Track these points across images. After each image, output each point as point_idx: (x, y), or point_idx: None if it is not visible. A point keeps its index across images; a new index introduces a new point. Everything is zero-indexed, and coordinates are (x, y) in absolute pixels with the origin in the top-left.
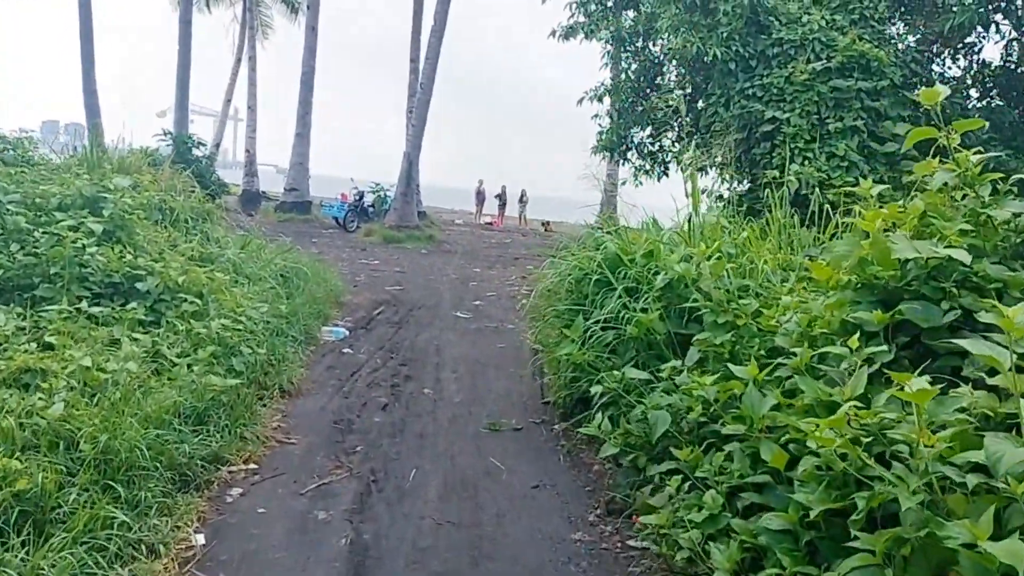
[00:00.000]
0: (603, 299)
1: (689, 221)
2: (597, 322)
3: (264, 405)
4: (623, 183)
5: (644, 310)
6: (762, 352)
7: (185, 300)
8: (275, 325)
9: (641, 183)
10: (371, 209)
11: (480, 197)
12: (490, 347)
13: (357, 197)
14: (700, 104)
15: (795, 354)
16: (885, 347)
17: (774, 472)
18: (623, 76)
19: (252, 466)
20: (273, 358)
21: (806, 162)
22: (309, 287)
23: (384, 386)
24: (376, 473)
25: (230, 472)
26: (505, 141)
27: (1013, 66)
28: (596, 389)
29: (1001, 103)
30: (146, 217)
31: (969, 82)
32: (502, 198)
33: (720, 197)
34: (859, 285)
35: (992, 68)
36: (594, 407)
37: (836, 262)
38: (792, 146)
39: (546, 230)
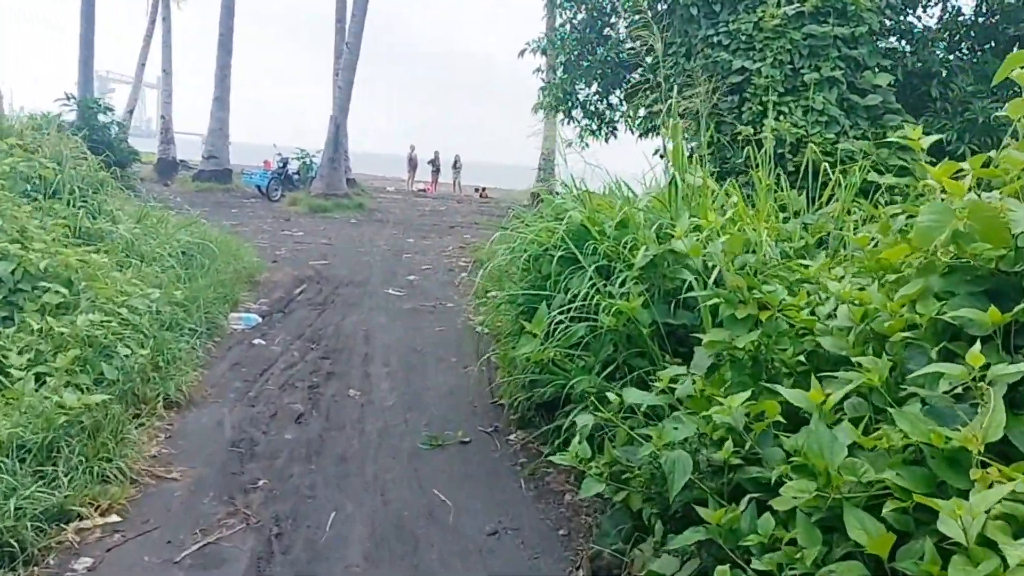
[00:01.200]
0: (567, 281)
1: (672, 184)
2: (564, 311)
3: (141, 424)
4: (568, 144)
5: (623, 295)
6: (799, 359)
7: (48, 290)
8: (168, 316)
9: (587, 145)
10: (296, 177)
11: (412, 163)
12: (428, 332)
13: (281, 164)
14: (654, 55)
15: (858, 365)
16: (1007, 359)
17: (870, 558)
18: (567, 27)
19: (113, 519)
20: (160, 359)
21: (781, 117)
22: (216, 266)
23: (300, 388)
24: (282, 522)
25: (80, 531)
26: (439, 107)
27: (984, 19)
28: (584, 420)
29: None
30: (5, 189)
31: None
32: (435, 164)
33: (688, 157)
34: (947, 269)
35: (966, 19)
36: (577, 435)
37: (924, 236)
38: (764, 99)
39: (481, 197)
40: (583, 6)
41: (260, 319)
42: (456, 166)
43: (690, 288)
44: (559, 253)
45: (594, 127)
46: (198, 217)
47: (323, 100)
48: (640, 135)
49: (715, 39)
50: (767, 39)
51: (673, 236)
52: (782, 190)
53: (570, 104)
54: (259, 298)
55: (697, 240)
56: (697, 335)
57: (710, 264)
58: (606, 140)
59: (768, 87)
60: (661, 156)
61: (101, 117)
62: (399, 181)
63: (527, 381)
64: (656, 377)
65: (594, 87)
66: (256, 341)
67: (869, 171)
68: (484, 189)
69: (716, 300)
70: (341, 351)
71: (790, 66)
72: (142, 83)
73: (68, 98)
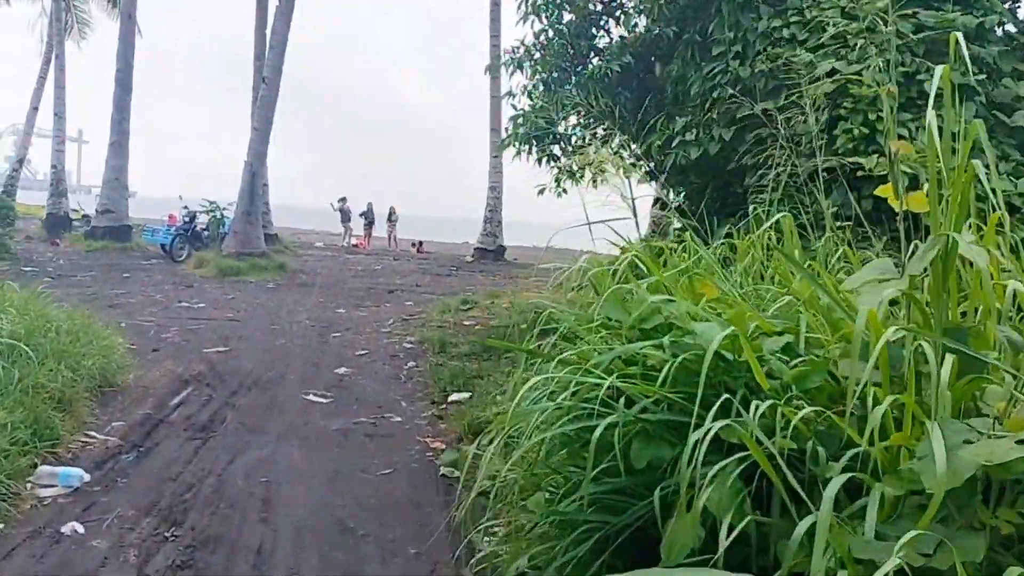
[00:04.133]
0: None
1: None
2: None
3: None
4: (541, 191)
5: None
6: None
7: None
8: None
9: (564, 191)
10: (206, 233)
11: (345, 216)
12: (367, 482)
13: (187, 219)
14: (676, 67)
15: None
16: None
17: None
18: (550, 33)
19: None
20: None
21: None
22: (43, 370)
23: None
24: None
25: None
26: (373, 160)
27: None
28: None
29: None
30: None
31: None
32: (368, 216)
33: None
34: None
35: None
36: None
37: None
38: (870, 117)
39: (418, 252)
40: (570, 6)
41: (86, 476)
42: (391, 219)
43: None
44: (661, 416)
45: (572, 168)
46: (44, 289)
47: (243, 148)
48: (647, 178)
49: (783, 32)
50: (865, 32)
51: None
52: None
53: (549, 139)
54: (111, 420)
55: None
56: None
57: None
58: (594, 185)
59: (876, 99)
60: (662, 206)
61: None
62: (329, 235)
63: None
64: None
65: (573, 119)
66: (68, 528)
67: None
68: (421, 243)
69: None
70: (218, 543)
71: (903, 69)
72: (34, 131)
73: None
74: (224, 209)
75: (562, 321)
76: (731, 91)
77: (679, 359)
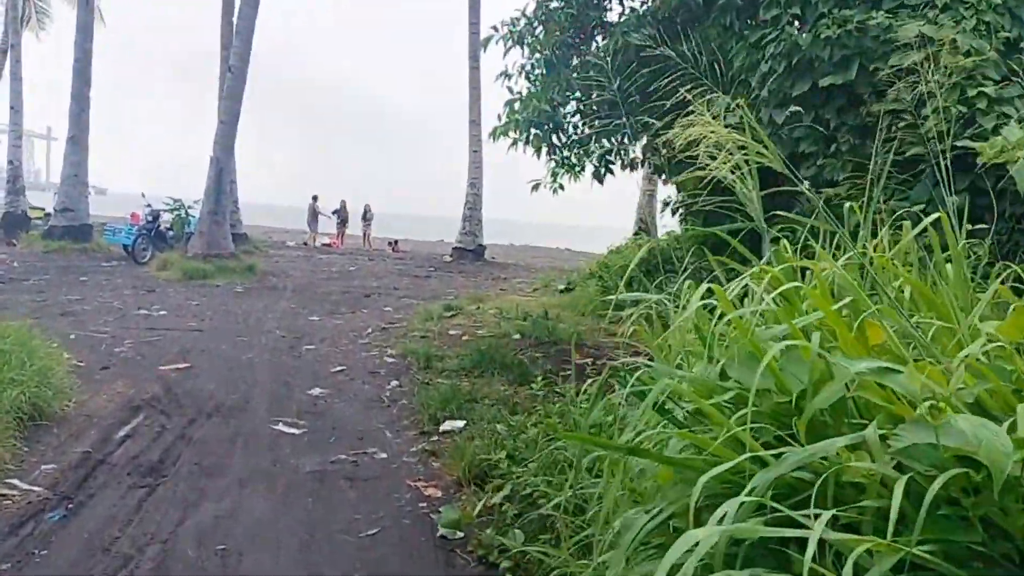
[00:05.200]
0: None
1: None
2: None
3: None
4: (534, 186)
5: None
6: None
7: None
8: None
9: (561, 187)
10: (170, 233)
11: (313, 214)
12: (348, 547)
13: (151, 218)
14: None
15: None
16: None
17: None
18: (554, 3)
19: None
20: None
21: (1008, 122)
22: None
23: None
24: None
25: None
26: (344, 156)
27: None
28: None
29: None
30: None
31: None
32: (341, 214)
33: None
34: None
35: None
36: None
37: None
38: (966, 92)
39: (393, 250)
40: None
41: None
42: (366, 217)
43: None
44: None
45: (572, 161)
46: None
47: (208, 143)
48: (668, 175)
49: None
50: None
51: None
52: None
53: (549, 127)
54: (40, 462)
55: None
56: None
57: None
58: (600, 181)
59: (975, 69)
60: (666, 204)
61: None
62: (301, 234)
63: None
64: None
65: (571, 105)
66: None
67: None
68: (396, 242)
69: None
70: None
71: (1004, 35)
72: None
73: None
74: (190, 207)
75: (654, 378)
76: (785, 64)
77: (906, 477)
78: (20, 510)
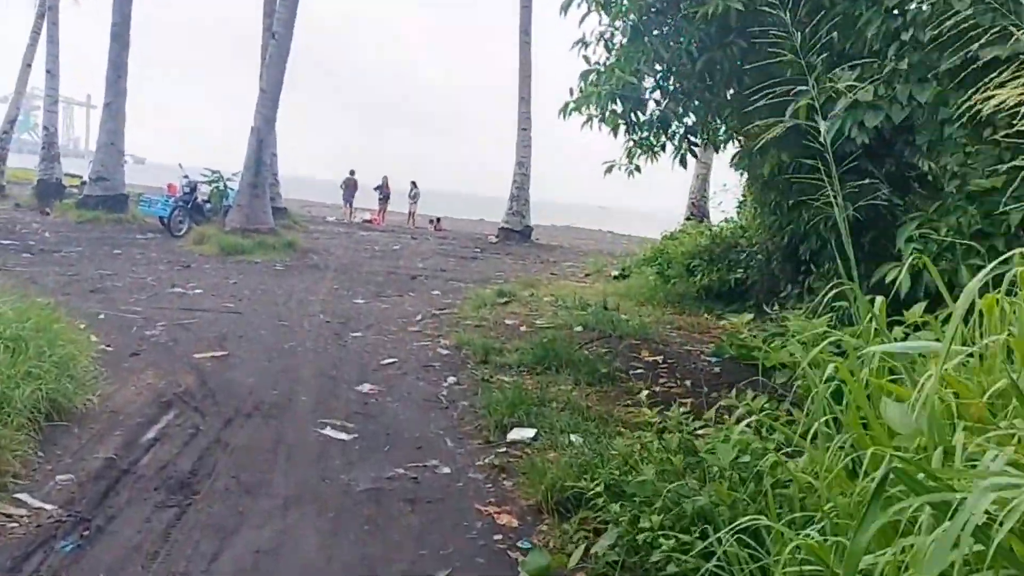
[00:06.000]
0: None
1: None
2: None
3: None
4: (608, 168)
5: None
6: None
7: None
8: None
9: (638, 169)
10: (208, 206)
11: (350, 189)
12: None
13: (188, 190)
14: None
15: None
16: None
17: None
18: None
19: None
20: None
21: None
22: None
23: None
24: None
25: None
26: (394, 136)
27: None
28: None
29: None
30: None
31: None
32: (383, 191)
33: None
34: None
35: None
36: None
37: None
38: None
39: (435, 229)
40: None
41: None
42: (412, 194)
43: None
44: None
45: (651, 139)
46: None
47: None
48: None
49: None
50: None
51: None
52: None
53: (631, 104)
54: (56, 471)
55: None
56: None
57: None
58: (682, 163)
59: None
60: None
61: None
62: (340, 209)
63: None
64: None
65: (647, 81)
66: None
67: None
68: (439, 220)
69: None
70: None
71: None
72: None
73: None
74: (228, 180)
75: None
76: (932, 33)
77: None
78: (27, 536)
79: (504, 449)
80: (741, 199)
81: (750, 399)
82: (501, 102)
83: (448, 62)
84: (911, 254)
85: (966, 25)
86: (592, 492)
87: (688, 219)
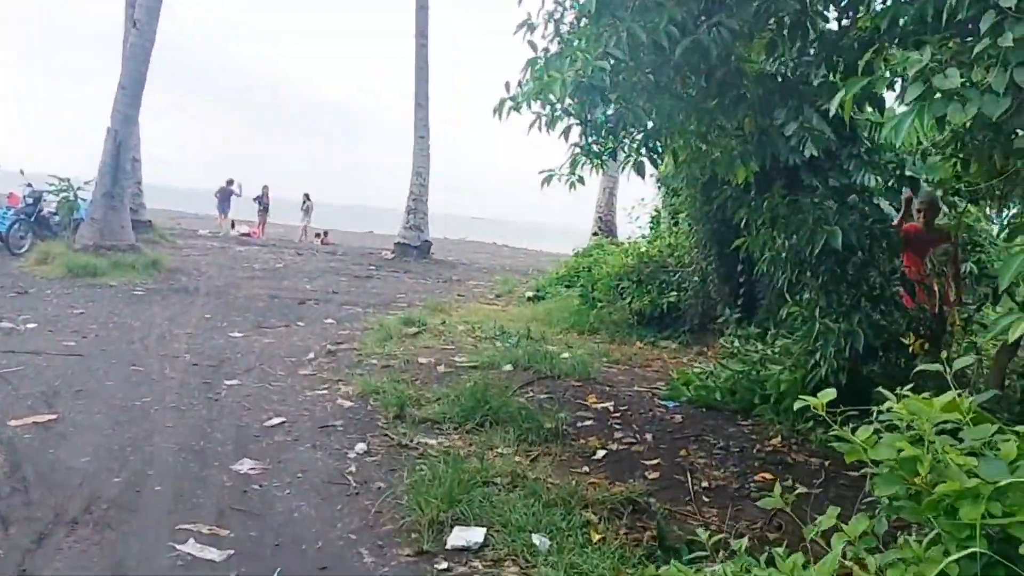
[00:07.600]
0: None
1: None
2: None
3: None
4: (547, 179)
5: None
6: None
7: None
8: None
9: (581, 180)
10: (55, 218)
11: (224, 195)
12: None
13: (31, 200)
14: None
15: None
16: None
17: None
18: None
19: None
20: None
21: None
22: None
23: None
24: None
25: None
26: (280, 144)
27: None
28: None
29: None
30: None
31: None
32: (262, 201)
33: None
34: None
35: None
36: None
37: None
38: None
39: (322, 242)
40: None
41: None
42: (305, 207)
43: None
44: None
45: (600, 148)
46: None
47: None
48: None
49: None
50: None
51: None
52: None
53: (596, 97)
54: None
55: None
56: None
57: None
58: (640, 173)
59: None
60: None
61: None
62: (214, 220)
63: None
64: None
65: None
66: None
67: None
68: (326, 233)
69: None
70: None
71: None
72: None
73: None
74: (80, 188)
75: None
76: None
77: None
78: None
79: (445, 565)
80: (654, 214)
81: (844, 522)
82: (397, 110)
83: (343, 69)
84: None
85: None
86: None
87: (595, 234)
